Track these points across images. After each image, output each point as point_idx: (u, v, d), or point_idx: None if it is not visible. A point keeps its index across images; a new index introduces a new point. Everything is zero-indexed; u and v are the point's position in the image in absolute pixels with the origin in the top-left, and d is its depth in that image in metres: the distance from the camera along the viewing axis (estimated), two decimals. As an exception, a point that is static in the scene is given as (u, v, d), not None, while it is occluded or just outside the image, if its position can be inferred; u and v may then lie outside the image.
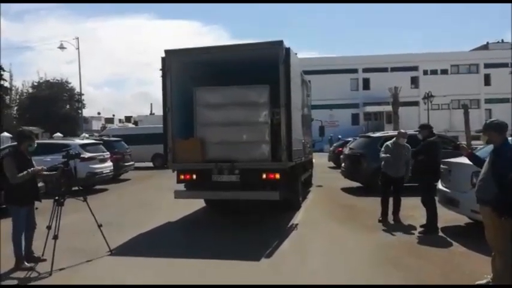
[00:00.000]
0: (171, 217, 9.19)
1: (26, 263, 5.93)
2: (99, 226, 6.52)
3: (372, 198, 10.21)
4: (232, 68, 9.11)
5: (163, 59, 8.66)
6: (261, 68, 8.70)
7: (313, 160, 14.31)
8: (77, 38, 35.56)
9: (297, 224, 8.38)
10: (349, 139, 20.66)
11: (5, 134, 32.35)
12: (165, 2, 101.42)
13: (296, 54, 9.10)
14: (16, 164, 5.87)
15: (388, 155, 8.20)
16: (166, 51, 8.64)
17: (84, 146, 14.45)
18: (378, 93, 44.87)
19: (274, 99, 8.30)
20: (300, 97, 9.72)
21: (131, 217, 9.68)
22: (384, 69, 47.76)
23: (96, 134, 37.71)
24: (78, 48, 35.60)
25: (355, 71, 48.81)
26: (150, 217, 9.37)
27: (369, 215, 8.84)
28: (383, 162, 8.38)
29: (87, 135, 33.29)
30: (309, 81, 12.78)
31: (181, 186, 8.97)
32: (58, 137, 27.81)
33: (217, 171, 8.44)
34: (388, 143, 8.51)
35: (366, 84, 48.95)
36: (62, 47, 35.51)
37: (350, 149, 13.69)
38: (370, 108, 47.97)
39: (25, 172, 5.88)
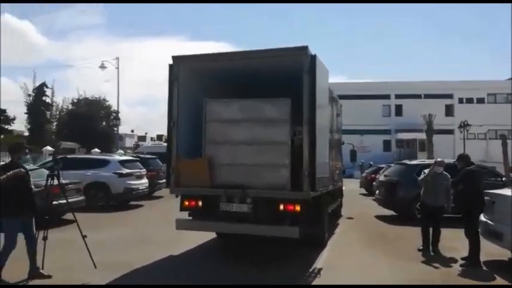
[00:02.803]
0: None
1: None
2: (84, 237, 6.24)
3: (408, 227, 9.64)
4: (249, 78, 7.57)
5: (170, 66, 7.23)
6: (282, 78, 7.19)
7: (343, 187, 12.48)
8: (117, 58, 35.38)
9: (320, 269, 6.59)
10: (382, 166, 19.29)
11: (48, 148, 32.17)
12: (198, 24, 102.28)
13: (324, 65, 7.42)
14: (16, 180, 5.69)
15: (422, 177, 7.90)
16: (174, 58, 7.20)
17: (122, 162, 14.37)
18: (411, 119, 42.25)
19: (297, 116, 6.67)
20: (328, 115, 8.05)
21: (162, 235, 8.63)
22: (417, 96, 45.03)
23: (129, 151, 37.20)
24: (117, 68, 35.38)
25: (387, 96, 46.23)
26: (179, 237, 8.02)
27: (407, 245, 8.27)
28: (421, 192, 7.94)
29: (122, 151, 32.76)
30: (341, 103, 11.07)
31: (185, 214, 7.39)
32: (96, 153, 27.40)
33: (226, 199, 6.82)
34: (426, 171, 8.03)
35: (399, 110, 46.30)
36: (102, 66, 35.56)
37: (385, 176, 13.02)
38: (402, 135, 45.15)
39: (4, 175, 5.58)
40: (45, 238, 6.02)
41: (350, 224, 11.19)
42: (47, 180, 6.33)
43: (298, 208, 6.59)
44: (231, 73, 7.57)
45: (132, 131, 54.68)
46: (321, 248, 7.78)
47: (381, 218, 12.12)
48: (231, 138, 7.02)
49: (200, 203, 7.08)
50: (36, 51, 78.51)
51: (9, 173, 5.65)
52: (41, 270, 5.92)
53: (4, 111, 44.62)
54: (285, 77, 7.08)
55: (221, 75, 7.61)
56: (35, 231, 5.95)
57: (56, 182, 6.41)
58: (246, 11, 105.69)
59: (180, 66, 7.20)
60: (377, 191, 13.12)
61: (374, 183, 15.50)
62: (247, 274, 6.32)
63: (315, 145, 6.48)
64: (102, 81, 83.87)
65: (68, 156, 19.29)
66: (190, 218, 7.26)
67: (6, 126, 43.48)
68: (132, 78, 78.87)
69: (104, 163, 14.10)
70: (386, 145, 46.02)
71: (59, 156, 14.12)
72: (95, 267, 6.16)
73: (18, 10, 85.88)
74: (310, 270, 6.57)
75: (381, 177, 13.44)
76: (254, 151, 6.91)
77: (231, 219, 6.83)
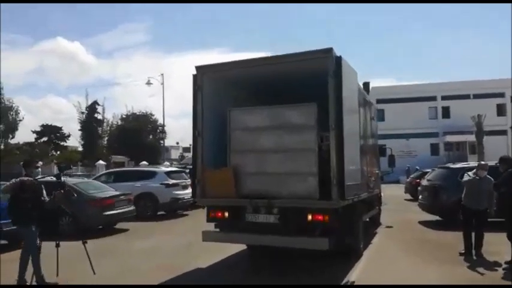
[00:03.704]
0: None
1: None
2: (84, 243, 6.46)
3: (452, 232, 9.09)
4: (274, 84, 7.28)
5: (194, 76, 7.08)
6: (307, 83, 6.85)
7: (382, 195, 11.84)
8: (162, 74, 36.27)
9: (353, 282, 6.12)
10: (427, 170, 18.25)
11: (100, 162, 33.50)
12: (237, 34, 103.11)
13: (352, 68, 6.97)
14: (21, 188, 5.97)
15: (466, 179, 7.70)
16: (198, 67, 7.04)
17: (169, 173, 14.89)
18: (460, 121, 39.99)
19: (324, 121, 6.28)
20: (359, 118, 7.56)
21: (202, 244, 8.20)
22: (466, 96, 42.67)
23: (175, 163, 37.94)
24: (162, 84, 36.25)
25: (433, 98, 44.12)
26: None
27: (450, 250, 7.90)
28: (463, 195, 7.69)
29: (168, 163, 33.46)
30: (376, 105, 10.51)
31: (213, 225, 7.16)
32: (144, 165, 28.22)
33: (252, 210, 6.53)
34: (470, 173, 7.78)
35: (446, 112, 44.09)
36: (148, 83, 36.59)
37: (428, 180, 12.51)
38: (451, 138, 42.85)
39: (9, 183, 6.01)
40: (57, 245, 6.20)
41: (389, 232, 10.50)
42: (55, 187, 6.38)
43: (327, 218, 6.18)
44: (255, 80, 7.30)
45: (177, 143, 55.78)
46: (356, 259, 7.27)
47: (424, 223, 11.58)
48: (256, 147, 6.74)
49: (226, 214, 6.82)
50: (86, 71, 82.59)
51: (13, 181, 5.95)
52: (45, 280, 6.00)
53: (60, 128, 47.18)
54: (310, 82, 6.71)
55: (245, 83, 7.36)
56: (38, 240, 6.07)
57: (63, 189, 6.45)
58: (288, 21, 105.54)
59: (204, 75, 7.02)
60: (420, 196, 12.63)
61: (419, 188, 14.77)
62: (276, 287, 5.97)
63: (343, 151, 6.04)
64: (147, 96, 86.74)
65: (119, 169, 20.44)
66: (217, 229, 7.02)
67: (61, 143, 45.86)
68: (176, 91, 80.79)
69: (151, 174, 14.72)
70: (434, 149, 43.88)
71: (112, 170, 15.00)
72: (94, 274, 6.39)
73: (69, 33, 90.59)
74: (343, 283, 6.11)
75: (424, 182, 12.94)
76: (280, 159, 6.60)
77: (257, 231, 6.52)
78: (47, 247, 6.17)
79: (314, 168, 6.29)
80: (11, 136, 39.31)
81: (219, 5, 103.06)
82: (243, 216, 6.58)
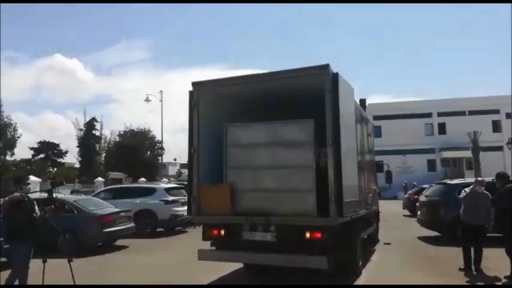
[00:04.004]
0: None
1: None
2: (69, 261, 6.02)
3: (451, 247, 9.06)
4: (270, 101, 7.19)
5: (190, 92, 7.00)
6: (304, 99, 6.75)
7: (380, 211, 11.69)
8: (161, 91, 36.15)
9: (352, 301, 5.93)
10: (425, 186, 18.24)
11: (99, 179, 33.17)
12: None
13: (348, 84, 6.92)
14: (13, 206, 5.91)
15: (463, 195, 7.78)
16: (194, 83, 6.97)
17: (168, 190, 14.85)
18: (456, 138, 40.01)
19: (322, 137, 6.17)
20: (356, 135, 7.47)
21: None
22: (462, 113, 42.80)
23: (172, 179, 37.68)
24: (161, 101, 36.14)
25: (429, 115, 44.37)
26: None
27: (449, 266, 7.87)
28: (461, 211, 7.72)
29: (166, 180, 33.19)
30: (372, 122, 10.45)
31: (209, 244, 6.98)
32: (142, 182, 27.97)
33: (249, 227, 6.37)
34: (466, 189, 7.85)
35: (442, 128, 44.18)
36: (147, 100, 36.32)
37: (426, 196, 12.57)
38: (447, 154, 42.81)
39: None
40: (44, 261, 5.87)
41: (388, 249, 10.32)
42: (46, 202, 6.28)
43: (325, 236, 6.03)
44: (251, 96, 7.22)
45: (175, 159, 55.53)
46: (354, 278, 7.08)
47: (423, 239, 11.55)
48: (252, 163, 6.63)
49: (222, 232, 6.66)
50: (84, 88, 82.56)
51: (2, 201, 6.02)
52: None
53: (57, 145, 47.00)
54: (307, 98, 6.64)
55: (242, 99, 7.29)
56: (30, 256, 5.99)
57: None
58: (290, 42, 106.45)
59: (200, 91, 6.96)
60: (419, 212, 12.61)
61: (417, 204, 14.74)
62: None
63: (340, 168, 5.94)
64: (146, 112, 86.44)
65: (119, 186, 20.25)
66: (213, 247, 6.84)
67: (59, 159, 45.63)
68: (175, 107, 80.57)
69: (151, 191, 14.67)
70: (431, 165, 43.90)
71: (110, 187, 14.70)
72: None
73: (68, 50, 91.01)
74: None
75: (422, 198, 12.94)
76: (277, 176, 6.48)
77: (254, 249, 6.36)
78: (37, 263, 5.94)
79: (312, 185, 6.17)
80: (9, 153, 39.05)
81: (220, 20, 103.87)
82: (240, 234, 6.42)
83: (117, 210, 11.68)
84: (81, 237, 10.38)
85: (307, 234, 6.10)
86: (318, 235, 6.07)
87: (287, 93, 6.90)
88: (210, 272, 7.53)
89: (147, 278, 7.57)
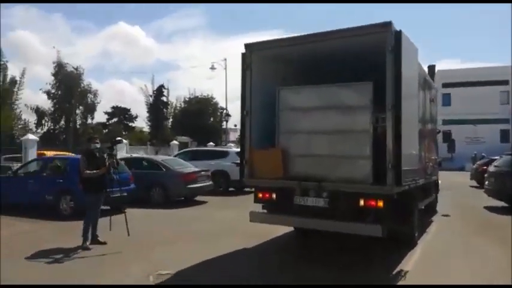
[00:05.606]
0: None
1: (87, 244, 6.63)
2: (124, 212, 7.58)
3: None
4: (327, 62, 6.58)
5: (243, 54, 6.59)
6: (363, 60, 6.16)
7: (439, 182, 10.83)
8: (225, 59, 35.94)
9: (406, 272, 5.44)
10: (495, 157, 16.57)
11: (174, 142, 34.00)
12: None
13: (412, 43, 6.11)
14: (87, 161, 6.84)
15: None
16: (246, 45, 6.53)
17: (238, 154, 15.26)
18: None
19: (380, 101, 5.55)
20: (418, 99, 6.69)
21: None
22: (541, 80, 38.02)
23: (232, 144, 38.03)
24: (225, 68, 36.06)
25: (505, 82, 39.22)
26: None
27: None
28: None
29: (232, 144, 33.56)
30: (438, 89, 9.43)
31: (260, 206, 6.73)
32: (211, 146, 28.57)
33: (301, 192, 6.00)
34: None
35: (519, 96, 39.49)
36: (212, 68, 36.47)
37: (495, 166, 11.93)
38: (523, 124, 38.30)
39: (93, 171, 6.80)
40: (124, 211, 7.35)
41: (447, 220, 9.50)
42: (108, 159, 7.03)
43: (381, 204, 5.52)
44: (306, 58, 6.67)
45: (235, 125, 55.84)
46: (410, 248, 6.54)
47: (490, 209, 11.01)
48: (306, 128, 6.18)
49: (274, 196, 6.36)
50: (147, 54, 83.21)
51: (95, 171, 6.78)
52: (98, 238, 6.90)
53: (128, 110, 49.11)
54: (367, 59, 6.02)
55: (296, 61, 6.76)
56: (101, 207, 7.11)
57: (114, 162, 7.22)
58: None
59: (253, 53, 6.51)
60: (487, 182, 12.02)
61: (485, 174, 13.59)
62: (323, 273, 5.45)
63: (400, 133, 5.32)
64: (206, 79, 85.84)
65: (195, 148, 21.33)
66: (265, 211, 6.58)
67: (130, 124, 47.74)
68: (233, 74, 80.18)
69: (224, 154, 15.58)
70: (505, 135, 38.94)
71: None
72: (128, 235, 7.04)
73: (130, 17, 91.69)
74: (395, 271, 5.47)
75: (491, 168, 12.21)
76: (331, 141, 6.01)
77: (306, 214, 6.00)
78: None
79: (368, 151, 5.66)
80: (90, 117, 41.27)
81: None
82: (291, 199, 6.08)
83: (198, 169, 12.69)
84: (168, 191, 11.76)
85: (361, 202, 5.63)
86: (373, 203, 5.58)
87: (344, 54, 6.25)
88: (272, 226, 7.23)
89: (227, 228, 8.38)
